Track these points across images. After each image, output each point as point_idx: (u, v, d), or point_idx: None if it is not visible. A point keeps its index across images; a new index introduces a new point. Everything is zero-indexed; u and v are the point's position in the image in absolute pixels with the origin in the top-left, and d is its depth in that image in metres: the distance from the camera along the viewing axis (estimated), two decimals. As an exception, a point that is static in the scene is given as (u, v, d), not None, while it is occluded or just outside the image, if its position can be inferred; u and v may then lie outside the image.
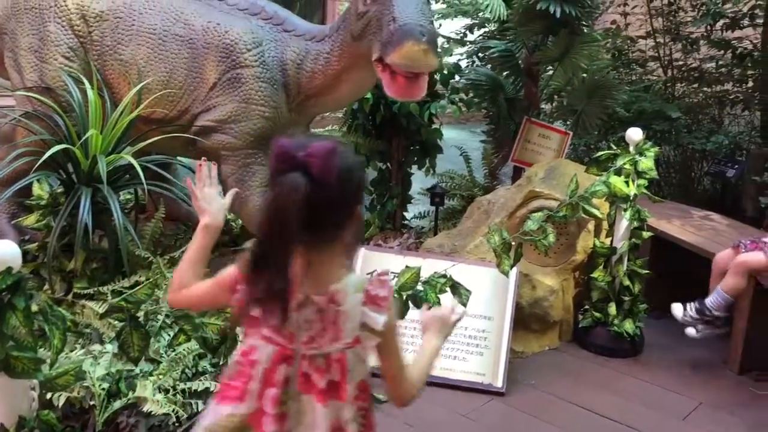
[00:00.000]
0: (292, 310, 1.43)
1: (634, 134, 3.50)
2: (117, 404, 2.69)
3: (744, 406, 3.16)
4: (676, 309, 3.38)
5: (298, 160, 1.36)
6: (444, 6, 5.62)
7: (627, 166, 3.47)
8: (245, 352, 1.50)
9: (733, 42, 5.60)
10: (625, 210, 3.48)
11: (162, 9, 3.57)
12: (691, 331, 3.48)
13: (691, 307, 3.28)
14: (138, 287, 1.84)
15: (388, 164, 4.52)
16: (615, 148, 3.60)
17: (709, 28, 5.64)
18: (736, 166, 4.95)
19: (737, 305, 3.49)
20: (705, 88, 6.04)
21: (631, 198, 3.46)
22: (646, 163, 3.48)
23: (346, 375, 1.46)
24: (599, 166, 3.57)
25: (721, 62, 5.92)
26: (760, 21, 5.22)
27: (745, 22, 5.33)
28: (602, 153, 3.64)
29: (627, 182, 3.45)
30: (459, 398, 3.10)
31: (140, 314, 1.97)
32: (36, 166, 3.25)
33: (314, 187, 1.35)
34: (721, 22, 5.46)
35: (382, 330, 1.46)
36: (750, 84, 5.81)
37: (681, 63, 6.16)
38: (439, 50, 3.06)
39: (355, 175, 1.44)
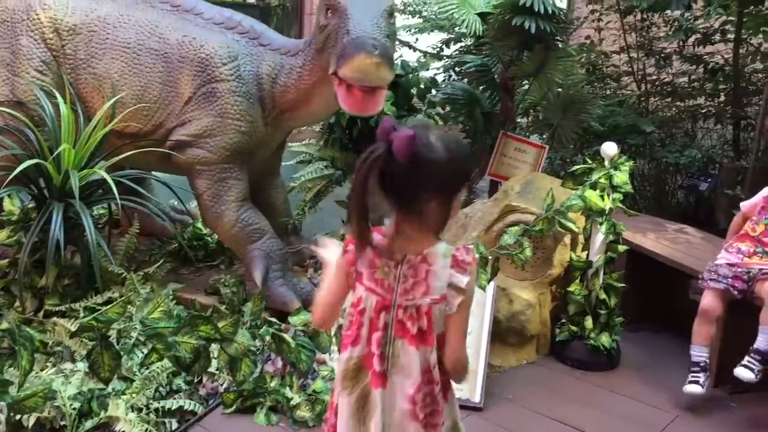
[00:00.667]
0: (392, 266, 1.72)
1: (609, 148, 3.53)
2: (89, 424, 2.65)
3: (719, 420, 3.18)
4: (745, 373, 3.06)
5: (388, 134, 1.62)
6: (420, 20, 5.65)
7: (602, 180, 3.50)
8: (355, 304, 1.78)
9: (704, 57, 5.69)
10: (601, 224, 3.50)
11: (136, 23, 3.54)
12: (696, 389, 3.21)
13: (754, 362, 3.08)
14: (109, 306, 1.81)
15: (365, 178, 4.50)
16: (590, 162, 3.62)
17: (681, 43, 5.73)
18: (709, 180, 5.02)
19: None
20: (678, 103, 6.13)
21: (607, 212, 3.48)
22: (621, 177, 3.51)
23: (432, 325, 1.73)
24: (575, 180, 3.60)
25: (693, 77, 6.01)
26: (731, 36, 5.31)
27: (717, 37, 5.42)
28: (578, 167, 3.67)
29: (602, 196, 3.48)
30: (437, 414, 3.08)
31: (112, 333, 1.93)
32: (7, 181, 3.20)
33: (389, 158, 1.60)
34: (693, 38, 5.55)
35: (465, 288, 1.71)
36: (722, 98, 5.90)
37: (654, 78, 6.24)
38: (394, 64, 3.05)
39: (437, 168, 1.65)
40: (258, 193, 3.97)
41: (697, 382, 3.20)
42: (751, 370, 3.08)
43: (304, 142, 4.58)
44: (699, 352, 3.28)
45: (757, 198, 3.47)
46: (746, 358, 3.12)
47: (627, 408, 3.24)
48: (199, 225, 4.33)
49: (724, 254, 3.42)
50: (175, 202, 4.48)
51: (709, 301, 3.30)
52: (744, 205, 3.52)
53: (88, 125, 3.42)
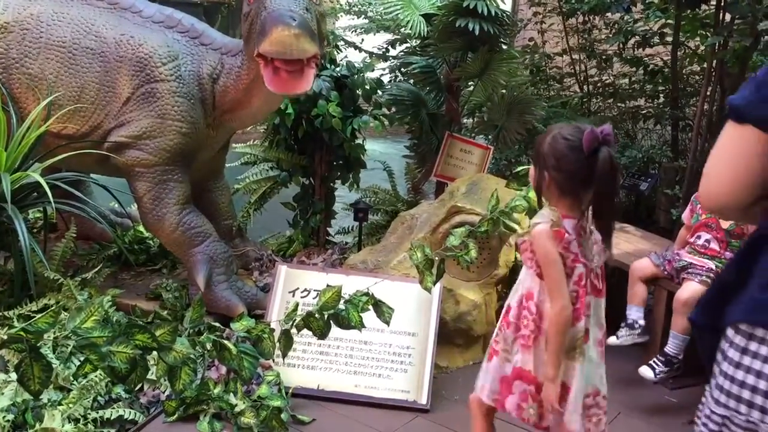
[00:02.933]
0: (587, 239, 2.16)
1: (552, 149, 3.56)
2: (22, 437, 2.56)
3: (660, 414, 3.26)
4: (647, 372, 3.31)
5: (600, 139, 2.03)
6: (366, 21, 5.63)
7: (545, 181, 3.53)
8: (577, 282, 2.14)
9: (644, 59, 5.82)
10: (544, 224, 3.54)
11: (72, 21, 3.43)
12: (611, 339, 3.51)
13: (658, 364, 3.28)
14: (40, 315, 1.73)
15: (311, 179, 4.47)
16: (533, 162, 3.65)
17: (621, 45, 5.84)
18: (649, 179, 5.12)
19: (652, 315, 3.60)
20: (619, 104, 6.25)
21: (550, 212, 3.52)
22: (564, 177, 3.55)
23: (603, 281, 2.24)
24: (519, 181, 3.61)
25: (633, 78, 6.14)
26: (669, 39, 5.44)
27: (656, 40, 5.54)
28: (521, 168, 3.69)
29: (545, 196, 3.51)
30: (383, 417, 3.07)
31: (47, 342, 1.86)
32: (-66, 184, 3.07)
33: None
34: (633, 41, 5.67)
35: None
36: (661, 99, 6.04)
37: (596, 79, 6.36)
38: (315, 35, 2.99)
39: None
40: (201, 195, 3.90)
41: (615, 335, 3.51)
42: (653, 369, 3.30)
43: (248, 143, 4.52)
44: (630, 311, 3.56)
45: (689, 205, 3.61)
46: (653, 358, 3.34)
47: (571, 406, 3.28)
48: (140, 228, 4.23)
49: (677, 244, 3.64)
50: (116, 205, 4.37)
51: (641, 264, 3.57)
52: (684, 217, 3.65)
53: (21, 126, 3.30)
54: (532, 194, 3.47)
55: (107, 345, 1.78)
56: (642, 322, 3.56)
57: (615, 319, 3.63)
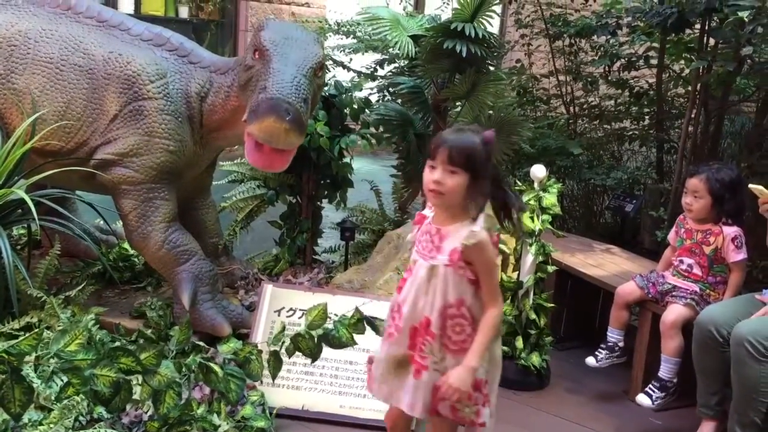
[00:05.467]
0: None
1: (538, 171, 3.59)
2: (2, 458, 2.52)
3: (645, 436, 3.26)
4: (644, 400, 3.28)
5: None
6: (354, 41, 5.65)
7: (532, 202, 3.55)
8: None
9: (630, 81, 5.88)
10: (531, 245, 3.55)
11: (60, 37, 3.43)
12: (590, 360, 3.59)
13: (654, 390, 3.27)
14: (22, 338, 1.71)
15: (299, 198, 4.46)
16: (520, 184, 3.68)
17: (607, 68, 5.90)
18: (634, 201, 5.16)
19: (638, 337, 3.61)
20: (605, 125, 6.30)
21: (536, 233, 3.54)
22: (550, 199, 3.57)
23: None
24: (505, 202, 3.64)
25: (619, 100, 6.19)
26: (654, 62, 5.50)
27: (641, 63, 5.60)
28: (508, 189, 3.72)
29: (532, 218, 3.53)
30: (368, 438, 3.05)
31: (28, 362, 1.84)
32: None
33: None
34: (618, 63, 5.72)
35: None
36: (646, 121, 6.10)
37: (582, 101, 6.41)
38: (306, 128, 3.05)
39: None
40: (188, 213, 3.88)
41: (595, 356, 3.59)
42: (650, 396, 3.27)
43: (236, 161, 4.51)
44: (611, 334, 3.59)
45: (674, 227, 3.63)
46: (650, 384, 3.31)
47: (557, 428, 3.28)
48: (126, 246, 4.20)
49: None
50: (101, 222, 4.34)
51: (627, 289, 3.57)
52: (669, 238, 3.68)
53: (6, 143, 3.28)
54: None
55: (90, 368, 1.76)
56: (622, 344, 3.58)
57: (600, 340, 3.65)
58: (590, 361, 3.59)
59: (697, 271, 3.41)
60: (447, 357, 2.21)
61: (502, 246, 3.39)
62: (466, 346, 2.19)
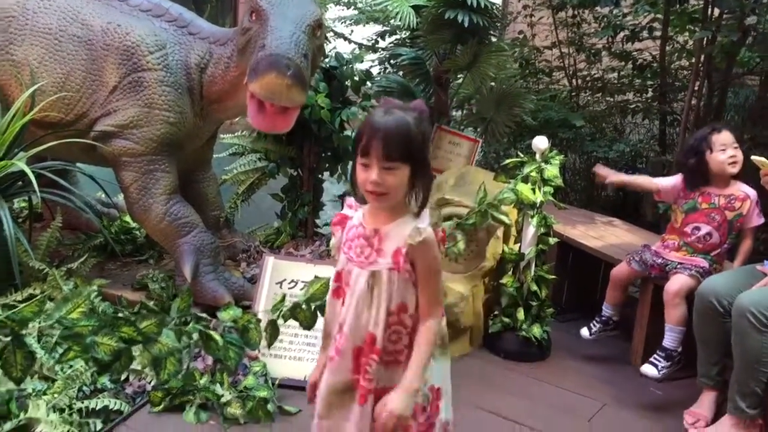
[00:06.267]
0: None
1: (540, 143, 3.57)
2: (7, 426, 2.54)
3: (645, 406, 3.27)
4: (650, 370, 3.23)
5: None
6: (355, 12, 5.61)
7: (533, 174, 3.54)
8: None
9: (633, 53, 5.84)
10: (532, 216, 3.55)
11: (58, 8, 3.40)
12: (584, 332, 3.61)
13: (659, 360, 3.23)
14: (25, 304, 1.72)
15: (299, 171, 4.45)
16: (522, 156, 3.66)
17: (610, 39, 5.86)
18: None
19: (639, 308, 3.62)
20: (607, 98, 6.27)
21: (538, 205, 3.53)
22: (552, 171, 3.56)
23: None
24: (507, 174, 3.63)
25: (622, 73, 6.15)
26: (658, 33, 5.45)
27: (644, 34, 5.56)
28: (510, 161, 3.71)
29: (534, 189, 3.52)
30: (370, 408, 3.06)
31: (30, 331, 1.84)
32: None
33: None
34: (621, 35, 5.68)
35: None
36: (649, 94, 6.06)
37: (585, 73, 6.37)
38: (308, 84, 3.01)
39: None
40: (188, 186, 3.88)
41: (589, 329, 3.62)
42: (655, 366, 3.24)
43: (236, 134, 4.49)
44: (606, 309, 3.61)
45: (676, 181, 3.48)
46: (654, 354, 3.28)
47: (557, 398, 3.30)
48: (127, 218, 4.21)
49: (657, 242, 3.58)
50: (102, 195, 4.34)
51: (623, 272, 3.55)
52: (661, 184, 3.53)
53: (5, 114, 3.27)
54: (521, 186, 3.50)
55: (92, 335, 1.77)
56: (616, 318, 3.58)
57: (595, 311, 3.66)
58: (584, 332, 3.61)
59: (715, 239, 3.32)
60: (380, 369, 1.88)
61: (503, 217, 3.38)
62: (401, 357, 1.88)
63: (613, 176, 3.68)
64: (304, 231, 4.51)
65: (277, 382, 3.07)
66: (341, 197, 4.49)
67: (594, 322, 3.62)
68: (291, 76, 2.82)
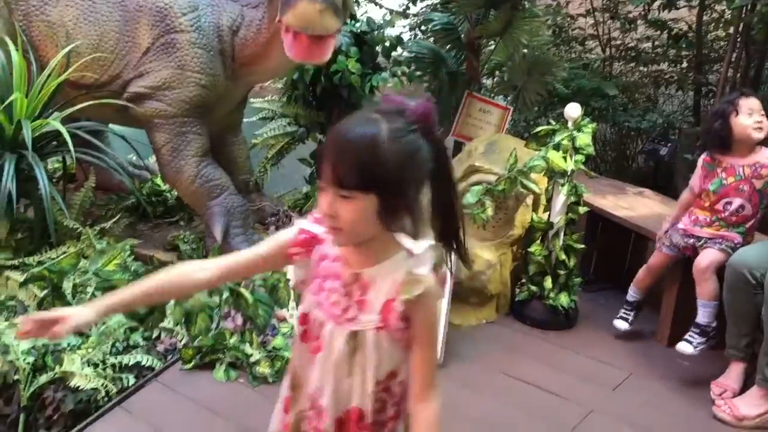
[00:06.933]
0: None
1: (573, 110, 3.53)
2: (43, 378, 2.62)
3: (671, 376, 3.26)
4: (686, 347, 3.17)
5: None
6: (387, -23, 5.56)
7: (565, 142, 3.50)
8: None
9: (668, 22, 5.71)
10: (563, 185, 3.52)
11: (92, -31, 3.41)
12: (621, 324, 3.55)
13: (694, 336, 3.18)
14: (62, 256, 1.76)
15: (329, 136, 4.46)
16: (554, 123, 3.63)
17: (646, 7, 5.74)
18: (669, 145, 5.07)
19: (666, 281, 3.58)
20: (641, 68, 6.16)
21: (569, 173, 3.50)
22: (584, 139, 3.51)
23: None
24: (538, 141, 3.60)
25: (657, 42, 6.04)
26: (695, 2, 5.33)
27: (681, 2, 5.43)
28: (541, 128, 3.67)
29: (565, 157, 3.49)
30: (396, 371, 3.09)
31: (67, 286, 1.88)
32: (-45, 130, 3.09)
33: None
34: (657, 2, 5.56)
35: None
36: (684, 65, 5.95)
37: (619, 42, 6.26)
38: (341, 11, 2.99)
39: None
40: (219, 150, 3.90)
41: (625, 319, 3.54)
42: (690, 343, 3.19)
43: (266, 98, 4.50)
44: (634, 293, 3.57)
45: (698, 170, 3.42)
46: (689, 332, 3.22)
47: (583, 366, 3.30)
48: (158, 180, 4.25)
49: (685, 219, 3.45)
50: (134, 157, 4.38)
51: (658, 260, 3.48)
52: (692, 183, 3.46)
53: (41, 74, 3.31)
54: (552, 154, 3.47)
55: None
56: (643, 301, 3.58)
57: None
58: (621, 324, 3.55)
59: (747, 210, 3.22)
60: None
61: (532, 185, 3.36)
62: (386, 429, 1.49)
63: (665, 225, 3.52)
64: (332, 196, 4.53)
65: (305, 343, 3.11)
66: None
67: (625, 310, 3.57)
68: (323, 1, 2.83)
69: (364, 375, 1.42)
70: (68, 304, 1.78)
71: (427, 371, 1.42)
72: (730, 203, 3.25)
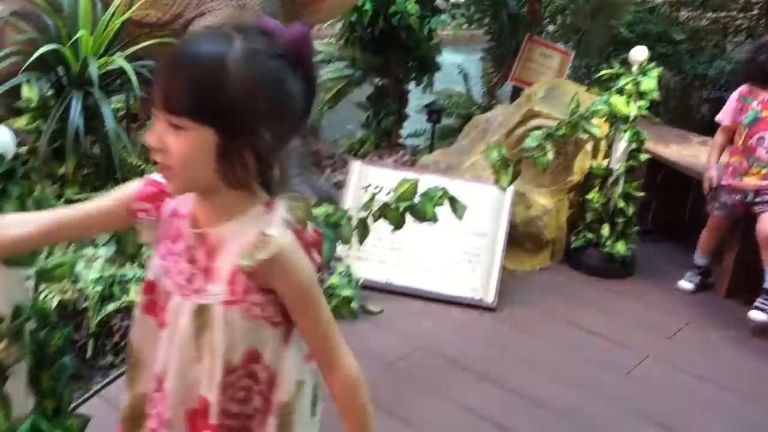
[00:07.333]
0: None
1: (639, 53, 3.43)
2: (110, 307, 2.71)
3: (727, 326, 3.21)
4: (758, 315, 3.07)
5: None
6: None
7: (629, 87, 3.42)
8: None
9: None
10: (625, 131, 3.45)
11: None
12: (686, 284, 3.52)
13: (765, 303, 3.08)
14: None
15: (385, 80, 4.43)
16: (618, 67, 3.53)
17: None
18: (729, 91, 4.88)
19: (727, 244, 3.48)
20: (710, 14, 5.92)
21: (631, 119, 3.42)
22: (649, 83, 3.43)
23: None
24: (601, 86, 3.52)
25: (727, -13, 5.78)
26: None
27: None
28: (605, 72, 3.59)
29: (628, 102, 3.41)
30: (450, 312, 3.13)
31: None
32: (24, 66, 3.16)
33: None
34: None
35: None
36: (755, 12, 5.69)
37: (687, -14, 6.01)
38: None
39: None
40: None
41: (691, 281, 3.51)
42: (762, 311, 3.10)
43: (324, 41, 4.49)
44: (700, 257, 3.51)
45: (732, 103, 3.30)
46: (758, 299, 3.13)
47: (639, 314, 3.28)
48: (217, 122, 4.30)
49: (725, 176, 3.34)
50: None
51: (716, 221, 3.40)
52: (720, 118, 3.33)
53: (105, 12, 3.35)
54: (615, 99, 3.38)
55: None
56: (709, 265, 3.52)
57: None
58: (686, 285, 3.51)
59: None
60: None
61: (594, 129, 3.29)
62: (252, 424, 1.19)
63: (711, 171, 3.40)
64: (387, 141, 4.53)
65: (360, 282, 3.15)
66: (427, 106, 4.46)
67: (691, 274, 3.52)
68: None
69: (213, 361, 1.14)
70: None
71: (320, 339, 1.16)
72: (763, 138, 3.15)
